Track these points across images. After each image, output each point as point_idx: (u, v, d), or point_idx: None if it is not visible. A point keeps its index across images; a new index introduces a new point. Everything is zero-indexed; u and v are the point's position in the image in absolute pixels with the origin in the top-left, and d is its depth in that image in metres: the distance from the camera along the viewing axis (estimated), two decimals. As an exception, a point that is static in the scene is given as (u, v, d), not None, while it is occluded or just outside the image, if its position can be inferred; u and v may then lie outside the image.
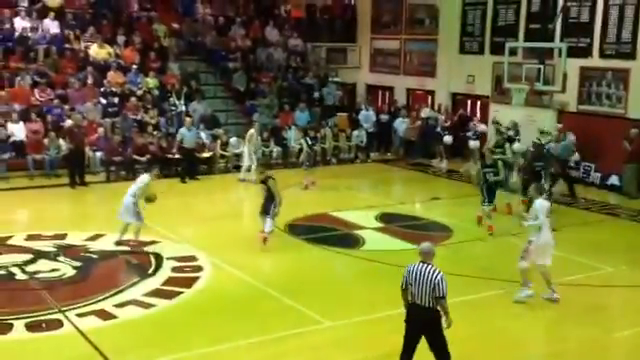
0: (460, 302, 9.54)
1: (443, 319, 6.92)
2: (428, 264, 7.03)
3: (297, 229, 13.19)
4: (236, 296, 9.71)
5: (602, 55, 17.69)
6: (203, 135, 18.76)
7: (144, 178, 11.70)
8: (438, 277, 6.83)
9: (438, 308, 6.89)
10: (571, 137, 16.42)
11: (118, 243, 11.64)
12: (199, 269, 10.69)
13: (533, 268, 9.46)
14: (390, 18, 24.41)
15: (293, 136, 20.00)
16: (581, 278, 10.61)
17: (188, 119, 18.20)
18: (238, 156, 18.56)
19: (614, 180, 16.84)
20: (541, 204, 9.54)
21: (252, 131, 17.44)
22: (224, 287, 10.06)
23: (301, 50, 24.74)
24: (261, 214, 11.70)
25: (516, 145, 16.14)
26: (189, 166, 17.61)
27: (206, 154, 18.47)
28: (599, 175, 17.45)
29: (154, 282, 10.11)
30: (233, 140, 18.99)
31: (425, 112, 21.89)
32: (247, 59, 23.09)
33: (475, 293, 9.81)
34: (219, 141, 18.93)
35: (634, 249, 12.28)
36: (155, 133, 18.30)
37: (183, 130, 17.81)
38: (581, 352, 7.98)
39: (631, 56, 17.01)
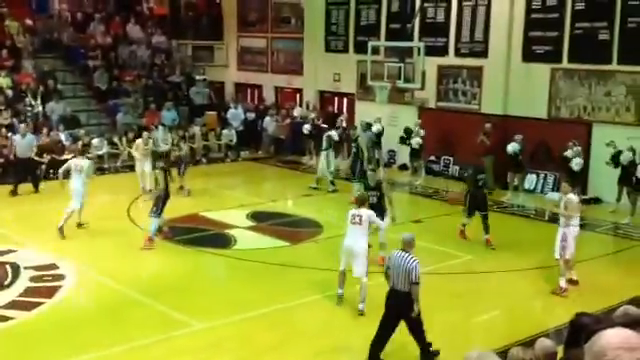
0: (332, 295, 9.80)
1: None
2: (407, 252, 7.64)
3: (167, 231, 12.84)
4: (101, 304, 9.33)
5: (457, 54, 18.65)
6: (62, 136, 17.85)
7: (84, 163, 12.68)
8: (413, 264, 7.47)
9: (409, 290, 7.47)
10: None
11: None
12: (60, 278, 10.16)
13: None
14: (256, 16, 24.38)
15: (160, 136, 19.47)
16: (443, 266, 11.14)
17: (22, 125, 16.66)
18: (101, 157, 17.82)
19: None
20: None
21: (140, 141, 16.13)
22: (88, 295, 9.64)
23: (166, 48, 24.18)
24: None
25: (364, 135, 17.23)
26: (24, 176, 15.90)
27: (66, 156, 17.54)
28: (457, 168, 18.41)
29: (11, 294, 9.50)
30: (96, 141, 18.22)
31: (297, 111, 22.08)
32: (108, 57, 22.23)
33: (344, 286, 10.01)
34: (80, 142, 18.07)
35: (492, 237, 12.99)
36: (10, 135, 17.18)
37: (16, 137, 16.23)
38: (443, 338, 8.33)
39: (484, 54, 18.05)
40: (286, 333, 8.62)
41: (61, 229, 12.07)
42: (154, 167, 14.29)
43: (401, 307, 7.58)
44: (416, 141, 17.73)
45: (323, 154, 16.66)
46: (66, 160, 17.39)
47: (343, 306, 9.45)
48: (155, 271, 10.83)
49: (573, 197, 10.17)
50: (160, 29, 24.51)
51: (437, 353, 7.82)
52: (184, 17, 25.79)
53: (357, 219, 9.30)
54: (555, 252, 10.07)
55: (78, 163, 12.75)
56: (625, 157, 14.37)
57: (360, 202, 9.75)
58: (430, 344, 7.80)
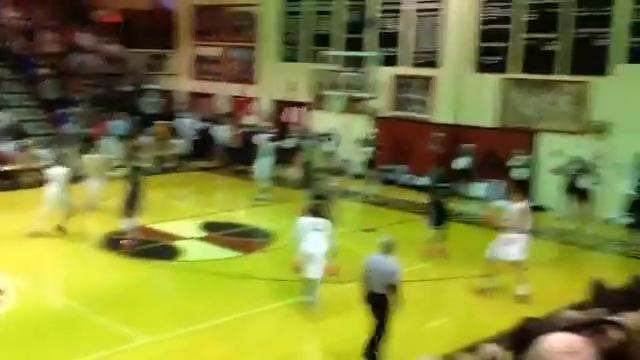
0: (284, 305, 9.70)
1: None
2: (386, 255, 7.79)
3: (114, 243, 12.54)
4: (43, 319, 9.00)
5: (411, 64, 18.81)
6: (9, 146, 17.38)
7: (61, 171, 12.86)
8: (394, 267, 7.65)
9: (387, 293, 7.64)
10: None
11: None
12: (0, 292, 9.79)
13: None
14: (211, 25, 24.22)
15: (110, 146, 19.08)
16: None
17: None
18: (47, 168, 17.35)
19: (423, 181, 17.91)
20: (299, 221, 9.68)
21: (93, 156, 15.43)
22: (30, 310, 9.29)
23: (117, 56, 23.80)
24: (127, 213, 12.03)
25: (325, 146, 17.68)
26: None
27: (11, 167, 17.06)
28: (410, 177, 18.51)
29: (-53, 310, 9.12)
30: (42, 152, 17.76)
31: (249, 120, 21.95)
32: (58, 65, 21.78)
33: (296, 296, 9.94)
34: (27, 153, 17.60)
35: (445, 246, 12.96)
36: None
37: None
38: (396, 344, 8.29)
39: (436, 64, 18.25)
40: (237, 345, 8.47)
41: (60, 228, 12.70)
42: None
43: (377, 307, 7.72)
44: (368, 149, 17.78)
45: (263, 162, 16.46)
46: (7, 172, 17.02)
47: (296, 315, 9.37)
48: (100, 284, 10.52)
49: (521, 206, 10.27)
50: (112, 37, 24.12)
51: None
52: (137, 26, 25.43)
53: (318, 226, 9.43)
54: (490, 251, 10.16)
55: (54, 172, 12.99)
56: (571, 167, 14.70)
57: (313, 212, 9.85)
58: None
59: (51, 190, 12.76)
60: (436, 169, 13.35)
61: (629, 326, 3.27)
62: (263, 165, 16.47)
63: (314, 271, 9.27)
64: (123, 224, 12.24)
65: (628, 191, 14.50)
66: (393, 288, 7.64)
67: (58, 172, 12.96)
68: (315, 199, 11.31)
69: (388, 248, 7.90)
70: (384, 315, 7.73)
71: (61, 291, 10.00)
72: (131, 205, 12.17)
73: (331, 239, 9.88)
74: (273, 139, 17.51)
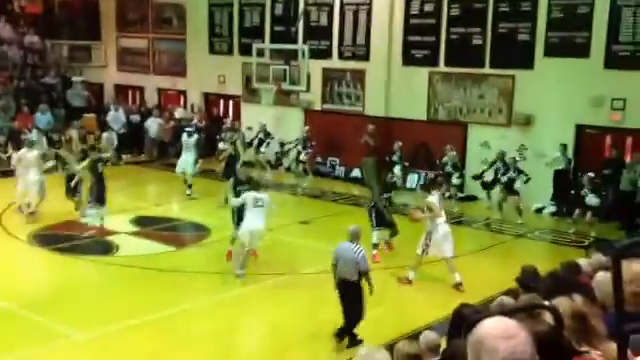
0: (218, 299, 9.69)
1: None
2: (354, 243, 8.08)
3: (43, 239, 12.21)
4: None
5: (341, 57, 18.96)
6: None
7: (32, 155, 13.28)
8: (360, 255, 7.97)
9: (357, 279, 7.97)
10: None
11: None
12: None
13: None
14: (136, 16, 23.66)
15: (34, 140, 18.42)
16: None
17: None
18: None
19: (356, 173, 18.15)
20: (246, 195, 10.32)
21: (23, 151, 14.10)
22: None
23: (39, 48, 22.99)
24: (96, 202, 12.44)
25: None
26: None
27: None
28: (343, 169, 18.72)
29: None
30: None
31: (179, 112, 21.64)
32: (-24, 57, 20.92)
33: (231, 290, 9.95)
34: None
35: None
36: None
37: None
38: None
39: (366, 58, 18.45)
40: (172, 340, 8.39)
41: (32, 213, 13.07)
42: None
43: (348, 294, 8.02)
44: (302, 143, 17.85)
45: (186, 157, 16.10)
46: None
47: (232, 308, 9.36)
48: (30, 281, 10.27)
49: (433, 198, 10.50)
50: (33, 28, 23.26)
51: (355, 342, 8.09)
52: (59, 16, 24.60)
53: (260, 202, 9.98)
54: (418, 248, 10.40)
55: (24, 156, 13.35)
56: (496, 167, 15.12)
57: (255, 185, 10.43)
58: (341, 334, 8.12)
59: (29, 176, 13.08)
60: (370, 160, 13.50)
61: (561, 311, 3.44)
62: (186, 160, 16.15)
63: (257, 244, 10.02)
64: (87, 214, 12.63)
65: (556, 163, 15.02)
66: (364, 274, 8.00)
67: (32, 156, 13.30)
68: (238, 185, 11.29)
69: (355, 236, 8.19)
70: (355, 301, 7.99)
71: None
72: (99, 196, 12.59)
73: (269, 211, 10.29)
74: (199, 132, 17.22)
